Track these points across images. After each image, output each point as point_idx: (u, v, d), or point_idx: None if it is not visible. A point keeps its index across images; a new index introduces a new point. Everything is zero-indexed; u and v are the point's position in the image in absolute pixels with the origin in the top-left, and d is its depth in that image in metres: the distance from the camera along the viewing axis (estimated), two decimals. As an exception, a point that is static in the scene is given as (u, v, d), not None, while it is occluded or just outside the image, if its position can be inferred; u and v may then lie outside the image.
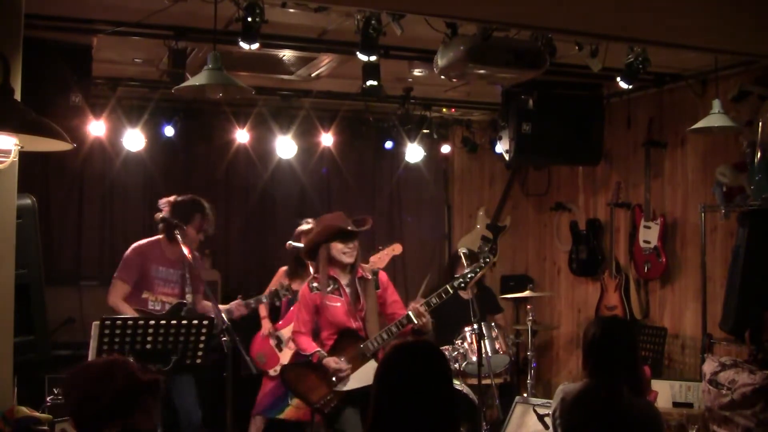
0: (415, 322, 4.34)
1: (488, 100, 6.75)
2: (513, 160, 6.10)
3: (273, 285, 5.47)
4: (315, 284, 4.48)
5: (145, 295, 4.73)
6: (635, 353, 3.10)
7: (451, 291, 4.43)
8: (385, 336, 4.37)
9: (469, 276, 4.49)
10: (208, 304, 4.80)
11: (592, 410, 2.94)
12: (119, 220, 6.66)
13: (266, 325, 5.52)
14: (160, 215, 4.63)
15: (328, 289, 4.45)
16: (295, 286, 5.20)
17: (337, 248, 4.40)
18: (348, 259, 4.41)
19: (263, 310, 5.52)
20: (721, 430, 4.37)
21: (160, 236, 4.82)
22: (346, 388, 4.38)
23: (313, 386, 4.44)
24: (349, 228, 4.41)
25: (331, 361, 4.36)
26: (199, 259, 5.01)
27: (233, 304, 4.90)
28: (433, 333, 6.21)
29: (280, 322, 5.54)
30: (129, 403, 2.35)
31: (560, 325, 7.27)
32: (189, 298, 4.75)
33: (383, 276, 4.61)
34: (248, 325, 5.45)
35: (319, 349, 4.43)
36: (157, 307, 4.73)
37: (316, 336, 4.56)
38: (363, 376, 4.34)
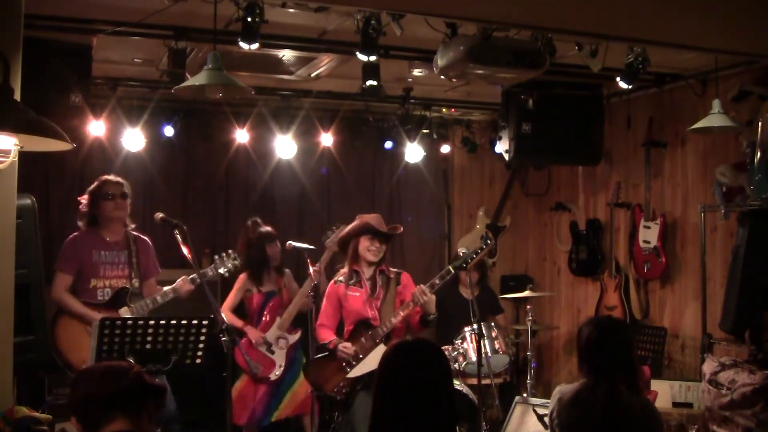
0: (418, 300, 4.45)
1: (488, 100, 6.75)
2: (513, 160, 6.10)
3: (236, 290, 5.55)
4: (340, 278, 4.71)
5: (93, 284, 4.62)
6: (631, 351, 3.09)
7: (453, 271, 4.57)
8: (393, 320, 4.50)
9: (469, 258, 4.58)
10: (155, 286, 4.82)
11: (590, 410, 2.94)
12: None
13: (252, 332, 5.41)
14: (159, 215, 4.63)
15: (351, 281, 4.66)
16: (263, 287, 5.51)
17: (364, 245, 4.62)
18: (371, 257, 4.63)
19: (237, 320, 5.41)
20: (721, 430, 4.36)
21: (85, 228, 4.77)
22: (354, 374, 4.50)
23: (329, 376, 4.59)
24: (378, 228, 4.63)
25: (340, 346, 4.53)
26: (148, 243, 4.95)
27: (178, 282, 4.74)
28: (434, 333, 6.26)
29: (261, 326, 5.48)
30: (136, 402, 2.37)
31: (560, 325, 7.26)
32: (135, 282, 4.72)
33: (406, 276, 4.80)
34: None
35: (335, 337, 4.63)
36: (106, 297, 4.60)
37: (340, 329, 4.74)
38: (371, 361, 4.43)
